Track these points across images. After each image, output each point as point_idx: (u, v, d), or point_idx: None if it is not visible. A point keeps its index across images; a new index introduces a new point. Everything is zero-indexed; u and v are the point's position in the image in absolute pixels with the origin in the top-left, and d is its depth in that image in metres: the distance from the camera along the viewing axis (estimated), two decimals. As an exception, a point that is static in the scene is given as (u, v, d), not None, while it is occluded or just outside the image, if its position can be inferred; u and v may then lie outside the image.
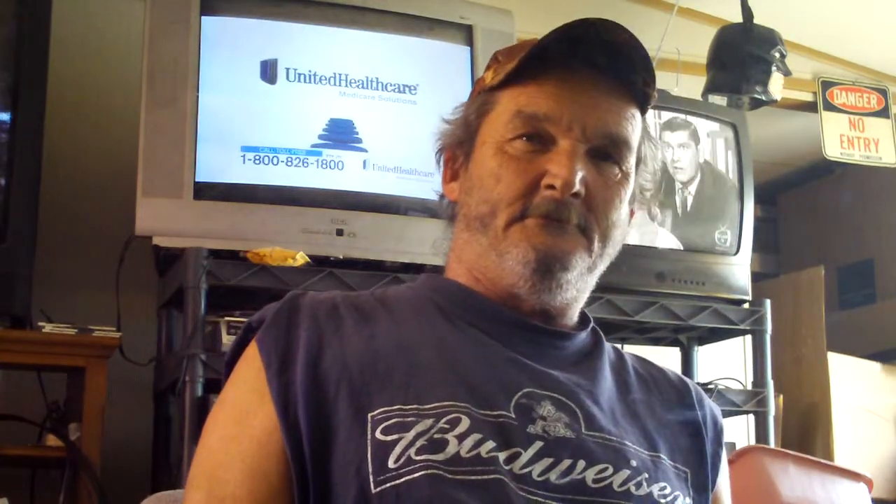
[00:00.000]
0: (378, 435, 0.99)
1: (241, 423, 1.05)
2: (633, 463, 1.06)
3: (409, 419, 1.00)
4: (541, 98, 1.10)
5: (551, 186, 1.08)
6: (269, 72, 2.47)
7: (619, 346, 1.26)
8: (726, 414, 2.71)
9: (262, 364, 1.06)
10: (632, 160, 1.14)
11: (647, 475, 1.06)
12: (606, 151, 1.11)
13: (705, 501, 1.14)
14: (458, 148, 1.19)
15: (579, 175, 1.08)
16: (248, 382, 1.07)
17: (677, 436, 1.15)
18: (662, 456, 1.11)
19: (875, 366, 3.73)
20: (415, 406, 1.01)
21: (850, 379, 3.61)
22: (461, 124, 1.19)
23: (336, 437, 1.01)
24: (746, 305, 2.90)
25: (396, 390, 1.03)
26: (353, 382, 1.03)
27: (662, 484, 1.07)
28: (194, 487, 1.03)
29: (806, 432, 3.55)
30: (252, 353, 1.08)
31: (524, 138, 1.10)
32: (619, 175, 1.13)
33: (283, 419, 1.02)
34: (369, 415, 1.01)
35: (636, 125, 1.14)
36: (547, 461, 1.01)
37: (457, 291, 1.16)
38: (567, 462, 1.02)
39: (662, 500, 1.06)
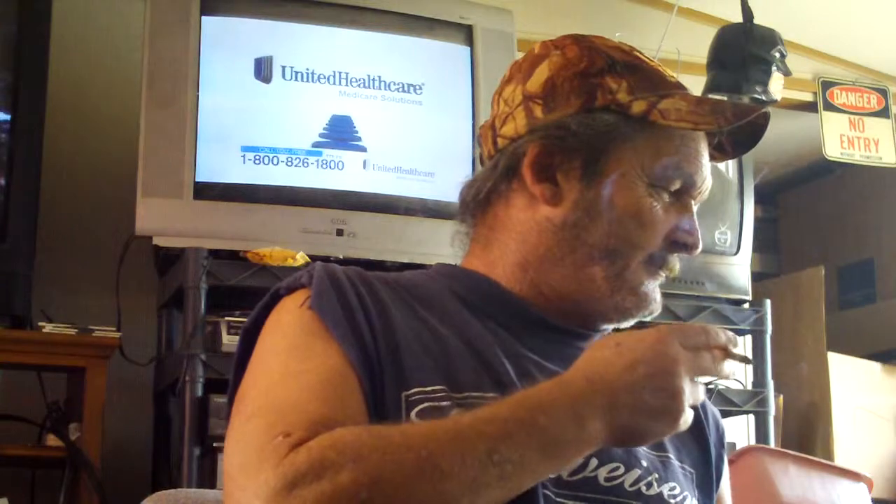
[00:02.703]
0: (413, 418, 0.98)
1: (308, 361, 0.99)
2: (644, 463, 1.06)
3: (444, 403, 0.99)
4: (693, 158, 1.13)
5: (684, 245, 1.12)
6: (267, 71, 2.47)
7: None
8: (726, 414, 2.71)
9: (319, 322, 1.01)
10: None
11: (657, 475, 1.06)
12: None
13: (710, 503, 1.15)
14: (565, 152, 1.11)
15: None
16: (306, 331, 1.01)
17: (683, 437, 1.15)
18: (670, 456, 1.11)
19: (875, 366, 3.73)
20: (445, 391, 1.00)
21: (850, 379, 3.60)
22: (579, 128, 1.10)
23: (385, 404, 0.99)
24: (746, 305, 2.90)
25: (429, 374, 1.01)
26: (396, 355, 1.01)
27: (672, 484, 1.08)
28: (254, 416, 0.95)
29: (806, 432, 3.55)
30: (299, 314, 1.03)
31: (671, 189, 1.12)
32: None
33: (362, 368, 0.98)
34: (403, 393, 0.99)
35: None
36: None
37: (479, 282, 1.14)
38: (579, 460, 1.02)
39: (672, 501, 1.06)
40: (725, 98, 1.04)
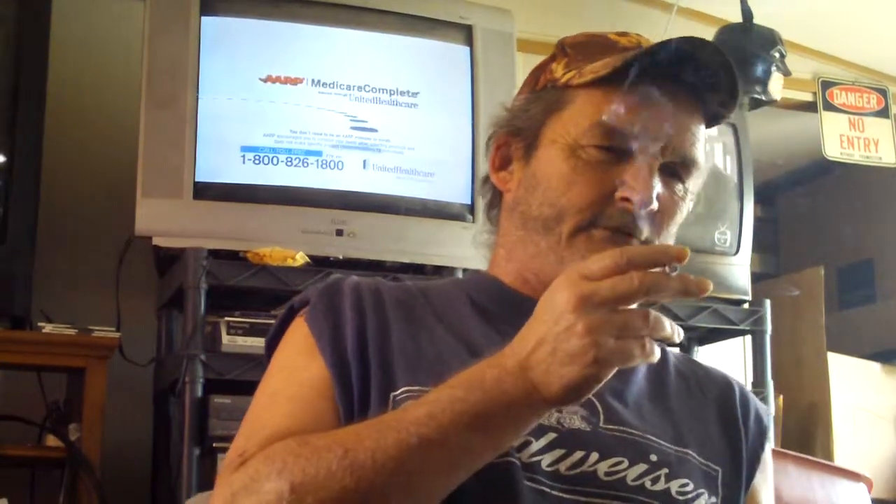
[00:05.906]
0: None
1: (289, 378, 1.06)
2: (653, 458, 1.05)
3: None
4: (625, 111, 1.07)
5: (627, 199, 1.06)
6: (267, 71, 2.47)
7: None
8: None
9: (311, 335, 1.08)
10: (697, 179, 1.13)
11: (666, 470, 1.05)
12: (677, 170, 1.11)
13: (736, 501, 1.13)
14: (514, 136, 1.15)
15: (657, 192, 1.07)
16: (297, 348, 1.09)
17: (712, 434, 1.14)
18: (691, 452, 1.10)
19: (875, 366, 3.73)
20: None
21: (850, 379, 3.61)
22: (522, 113, 1.15)
23: (369, 411, 1.03)
24: (746, 305, 2.90)
25: (419, 374, 1.04)
26: (385, 360, 1.05)
27: (684, 480, 1.06)
28: (237, 436, 1.04)
29: (806, 432, 3.55)
30: (299, 328, 1.10)
31: (601, 147, 1.08)
32: (683, 192, 1.12)
33: (337, 377, 1.04)
34: (392, 394, 1.03)
35: (703, 144, 1.13)
36: (558, 452, 1.02)
37: (485, 284, 1.17)
38: (579, 454, 1.02)
39: (680, 498, 1.05)
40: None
